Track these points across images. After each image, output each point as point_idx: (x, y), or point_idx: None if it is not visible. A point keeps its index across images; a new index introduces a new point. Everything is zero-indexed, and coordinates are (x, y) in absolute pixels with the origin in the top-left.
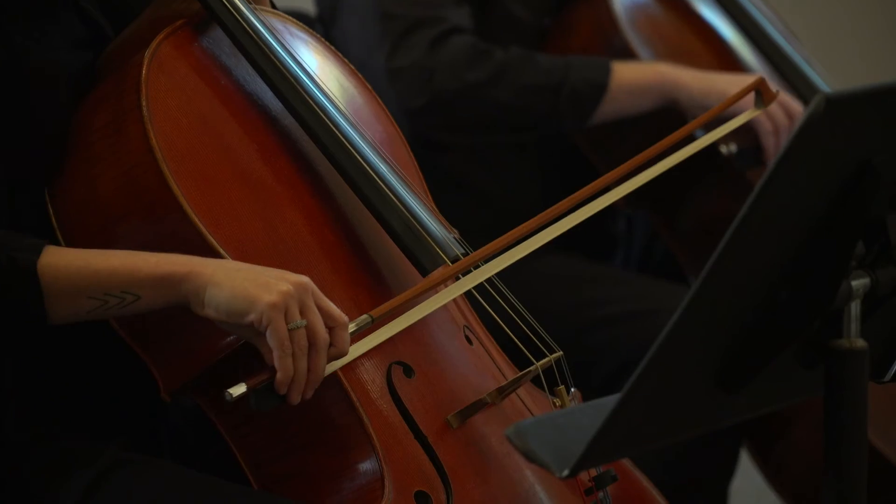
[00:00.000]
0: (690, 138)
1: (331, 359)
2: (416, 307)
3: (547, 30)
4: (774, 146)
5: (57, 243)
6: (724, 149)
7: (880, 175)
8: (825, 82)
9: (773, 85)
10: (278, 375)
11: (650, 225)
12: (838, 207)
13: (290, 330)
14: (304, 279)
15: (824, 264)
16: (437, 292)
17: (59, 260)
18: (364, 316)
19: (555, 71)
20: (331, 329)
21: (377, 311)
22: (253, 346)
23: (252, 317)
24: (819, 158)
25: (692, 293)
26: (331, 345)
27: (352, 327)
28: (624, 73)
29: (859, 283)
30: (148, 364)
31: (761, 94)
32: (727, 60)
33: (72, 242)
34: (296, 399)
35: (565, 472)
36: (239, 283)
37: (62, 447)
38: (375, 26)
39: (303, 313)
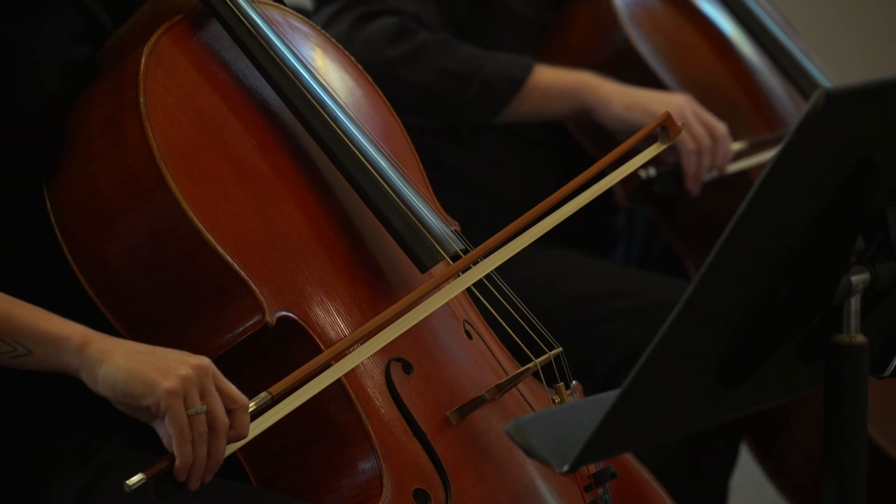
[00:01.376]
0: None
1: (230, 441)
2: (417, 308)
3: (547, 24)
4: (696, 166)
5: (55, 238)
6: (642, 173)
7: (880, 170)
8: (825, 77)
9: (680, 117)
10: (177, 462)
11: (650, 220)
12: (838, 202)
13: (189, 416)
14: (205, 362)
15: (824, 259)
16: (437, 291)
17: None
18: (263, 394)
19: (472, 60)
20: (231, 412)
21: (276, 388)
22: (251, 344)
23: (149, 401)
24: (819, 153)
25: (692, 288)
26: (230, 427)
27: (251, 406)
28: (544, 74)
29: (859, 278)
30: None
31: (667, 130)
32: (727, 55)
33: (70, 238)
34: (195, 486)
35: (565, 468)
36: (137, 365)
37: (63, 443)
38: (319, 11)
39: (202, 397)
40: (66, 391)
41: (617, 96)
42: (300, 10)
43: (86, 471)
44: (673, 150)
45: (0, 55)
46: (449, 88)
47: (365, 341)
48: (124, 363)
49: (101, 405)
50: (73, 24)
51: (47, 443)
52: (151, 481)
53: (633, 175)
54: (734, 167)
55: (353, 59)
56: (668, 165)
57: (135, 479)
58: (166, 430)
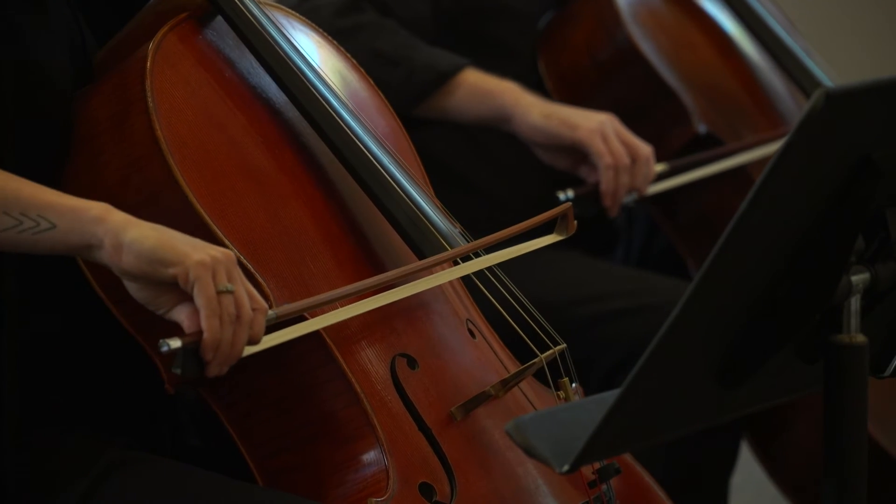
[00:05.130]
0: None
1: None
2: (408, 284)
3: (549, 23)
4: (613, 184)
5: None
6: (560, 194)
7: (880, 170)
8: (826, 75)
9: (600, 134)
10: (206, 336)
11: (650, 219)
12: (838, 202)
13: (218, 292)
14: (232, 254)
15: (824, 259)
16: (430, 274)
17: None
18: (270, 311)
19: (406, 47)
20: (252, 310)
21: (281, 310)
22: None
23: (177, 270)
24: (819, 153)
25: (692, 288)
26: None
27: (270, 314)
28: (471, 75)
29: (859, 278)
30: (151, 356)
31: (565, 220)
32: (729, 54)
33: None
34: (215, 370)
35: (565, 468)
36: (166, 235)
37: (65, 446)
38: None
39: (230, 282)
40: (70, 394)
41: (538, 106)
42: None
43: (89, 474)
44: (592, 168)
45: (12, 55)
46: (377, 70)
47: (353, 301)
48: (152, 231)
49: (104, 408)
50: (68, 20)
51: (50, 446)
52: (181, 350)
53: (554, 199)
54: (655, 188)
55: (354, 61)
56: (588, 186)
57: (172, 341)
58: (183, 314)
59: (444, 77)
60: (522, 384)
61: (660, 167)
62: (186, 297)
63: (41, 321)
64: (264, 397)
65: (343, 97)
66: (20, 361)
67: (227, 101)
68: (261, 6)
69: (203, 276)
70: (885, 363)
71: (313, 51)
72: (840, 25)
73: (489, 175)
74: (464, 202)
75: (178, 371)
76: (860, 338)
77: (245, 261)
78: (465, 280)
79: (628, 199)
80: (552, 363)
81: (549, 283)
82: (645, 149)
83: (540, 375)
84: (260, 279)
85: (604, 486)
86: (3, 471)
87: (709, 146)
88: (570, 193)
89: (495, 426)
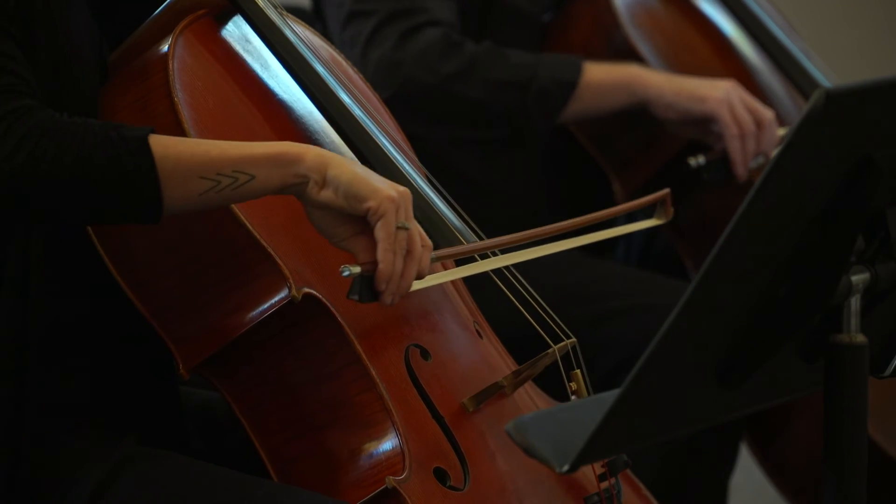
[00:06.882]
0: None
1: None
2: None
3: (548, 24)
4: (741, 152)
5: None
6: (692, 161)
7: (880, 169)
8: (825, 76)
9: (726, 102)
10: (381, 266)
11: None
12: (838, 202)
13: (396, 228)
14: (410, 193)
15: (824, 259)
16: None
17: (168, 139)
18: (433, 252)
19: (524, 68)
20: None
21: (441, 252)
22: (273, 323)
23: (371, 203)
24: (819, 153)
25: (692, 288)
26: None
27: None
28: (594, 72)
29: (859, 278)
30: (166, 341)
31: (664, 205)
32: (727, 55)
33: None
34: (388, 299)
35: (565, 468)
36: (358, 168)
37: (77, 441)
38: (349, 26)
39: (406, 220)
40: (82, 389)
41: (665, 84)
42: (296, 10)
43: (101, 468)
44: (719, 134)
45: (48, 42)
46: (507, 99)
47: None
48: (346, 167)
49: (116, 403)
50: (86, 11)
51: (62, 441)
52: (359, 276)
53: (684, 164)
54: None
55: (358, 71)
56: (717, 153)
57: (353, 267)
58: (362, 245)
59: (573, 86)
60: (528, 389)
61: (782, 132)
62: (361, 230)
63: (54, 310)
64: (280, 383)
65: (358, 96)
66: (33, 354)
67: (243, 96)
68: (273, 6)
69: (390, 211)
70: (885, 363)
71: (326, 56)
72: (839, 26)
73: (485, 172)
74: (469, 204)
75: (356, 297)
76: (860, 338)
77: (266, 245)
78: (469, 280)
79: (755, 163)
80: (563, 357)
81: (549, 283)
82: (768, 114)
83: (552, 369)
84: (280, 262)
85: (612, 479)
86: (16, 463)
87: (708, 147)
88: (702, 160)
89: (504, 421)
